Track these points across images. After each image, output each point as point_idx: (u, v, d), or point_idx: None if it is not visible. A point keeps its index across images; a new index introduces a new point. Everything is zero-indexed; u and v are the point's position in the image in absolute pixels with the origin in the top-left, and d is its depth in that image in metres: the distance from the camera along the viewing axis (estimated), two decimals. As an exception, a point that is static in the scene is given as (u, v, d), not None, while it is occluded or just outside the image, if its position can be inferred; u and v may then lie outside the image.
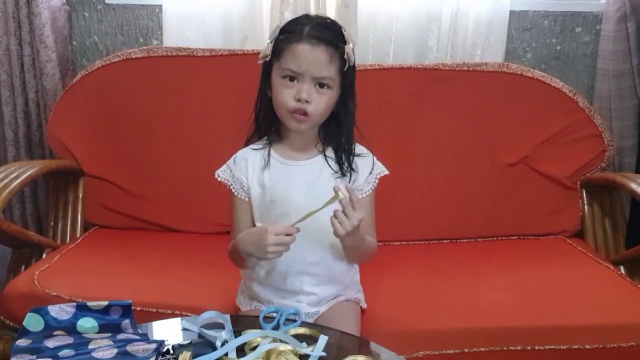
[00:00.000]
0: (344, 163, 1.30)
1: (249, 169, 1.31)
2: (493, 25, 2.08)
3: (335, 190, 1.15)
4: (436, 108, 1.97)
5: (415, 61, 2.10)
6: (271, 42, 1.24)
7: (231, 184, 1.32)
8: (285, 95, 1.22)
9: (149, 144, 1.98)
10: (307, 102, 1.21)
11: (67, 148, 1.99)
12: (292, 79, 1.22)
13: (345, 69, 1.24)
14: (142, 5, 2.17)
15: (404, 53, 2.12)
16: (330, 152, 1.31)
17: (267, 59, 1.25)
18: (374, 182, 1.32)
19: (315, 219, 1.17)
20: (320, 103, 1.23)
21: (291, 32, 1.22)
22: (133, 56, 1.98)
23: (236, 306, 1.42)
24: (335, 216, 1.16)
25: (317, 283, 1.33)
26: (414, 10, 2.10)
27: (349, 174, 1.30)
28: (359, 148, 1.34)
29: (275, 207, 1.30)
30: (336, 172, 1.30)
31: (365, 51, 2.11)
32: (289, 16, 1.95)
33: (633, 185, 1.76)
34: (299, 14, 1.32)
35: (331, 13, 2.03)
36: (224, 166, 1.34)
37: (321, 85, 1.22)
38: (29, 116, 2.12)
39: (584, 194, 1.99)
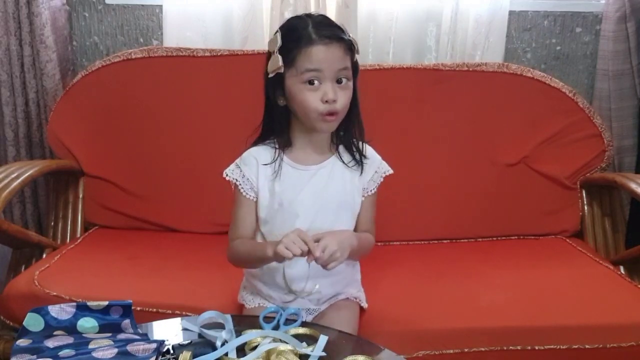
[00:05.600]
0: (356, 153, 1.33)
1: (259, 170, 1.30)
2: (493, 26, 2.08)
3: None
4: (436, 108, 1.97)
5: (414, 61, 2.10)
6: (277, 53, 1.22)
7: (240, 183, 1.31)
8: (313, 100, 1.22)
9: (149, 144, 1.98)
10: (334, 101, 1.22)
11: (67, 148, 1.99)
12: (311, 82, 1.22)
13: (354, 60, 1.26)
14: (142, 5, 2.17)
15: (404, 53, 2.12)
16: (342, 150, 1.34)
17: (281, 70, 1.23)
18: (379, 180, 1.36)
19: (320, 221, 1.27)
20: (344, 98, 1.24)
21: (298, 37, 1.21)
22: (133, 56, 1.98)
23: (237, 305, 1.42)
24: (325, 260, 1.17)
25: (317, 281, 1.30)
26: (414, 10, 2.10)
27: (361, 164, 1.33)
28: (366, 148, 1.36)
29: (282, 210, 1.30)
30: (349, 164, 1.32)
31: (365, 51, 2.11)
32: (289, 16, 1.94)
33: (633, 185, 1.76)
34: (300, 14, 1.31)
35: (331, 13, 2.03)
36: (233, 165, 1.33)
37: (339, 81, 1.23)
38: (29, 116, 2.12)
39: (584, 194, 1.99)
